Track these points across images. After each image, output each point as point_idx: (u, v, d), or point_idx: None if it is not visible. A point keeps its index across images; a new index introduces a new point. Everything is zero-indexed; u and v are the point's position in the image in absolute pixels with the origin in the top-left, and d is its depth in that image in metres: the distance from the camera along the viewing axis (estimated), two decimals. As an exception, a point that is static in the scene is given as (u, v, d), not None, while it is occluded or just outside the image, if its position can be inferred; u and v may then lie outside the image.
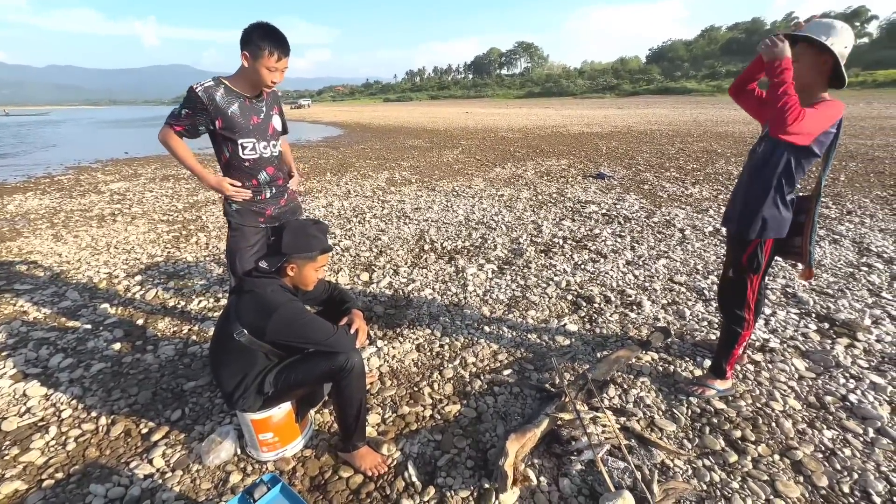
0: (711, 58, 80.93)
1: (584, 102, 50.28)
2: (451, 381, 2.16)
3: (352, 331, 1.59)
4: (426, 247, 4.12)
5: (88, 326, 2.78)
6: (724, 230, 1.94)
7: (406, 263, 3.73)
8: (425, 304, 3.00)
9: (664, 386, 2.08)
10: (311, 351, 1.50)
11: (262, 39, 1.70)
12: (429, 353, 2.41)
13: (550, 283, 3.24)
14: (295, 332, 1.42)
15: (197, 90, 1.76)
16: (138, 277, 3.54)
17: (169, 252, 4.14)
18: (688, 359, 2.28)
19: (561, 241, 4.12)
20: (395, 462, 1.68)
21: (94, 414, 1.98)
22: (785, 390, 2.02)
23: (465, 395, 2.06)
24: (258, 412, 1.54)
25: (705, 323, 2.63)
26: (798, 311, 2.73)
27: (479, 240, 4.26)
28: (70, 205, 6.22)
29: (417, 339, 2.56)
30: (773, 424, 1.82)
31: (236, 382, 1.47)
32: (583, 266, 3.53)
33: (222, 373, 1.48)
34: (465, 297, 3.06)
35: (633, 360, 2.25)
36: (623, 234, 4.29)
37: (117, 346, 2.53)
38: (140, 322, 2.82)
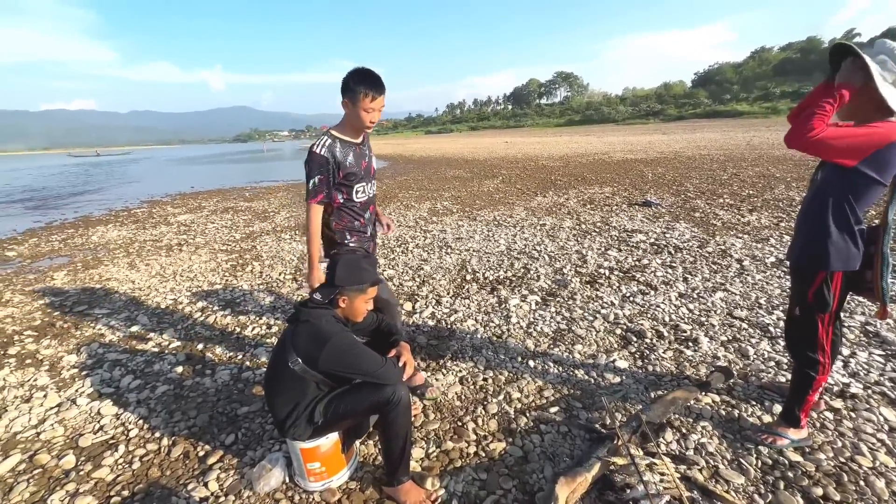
0: (763, 79, 77.58)
1: (627, 128, 49.52)
2: (496, 417, 2.11)
3: (399, 363, 1.62)
4: (468, 277, 4.14)
5: (155, 350, 3.00)
6: (788, 263, 1.82)
7: (448, 293, 3.75)
8: (468, 335, 2.98)
9: (728, 432, 1.92)
10: (359, 382, 1.53)
11: (358, 83, 1.81)
12: (472, 387, 2.38)
13: (597, 315, 3.13)
14: (346, 363, 1.46)
15: (321, 153, 1.87)
16: (200, 304, 3.79)
17: (227, 280, 4.42)
18: (754, 403, 2.09)
19: (607, 272, 3.99)
20: (439, 500, 1.64)
21: (157, 434, 2.11)
22: (873, 443, 1.80)
23: (511, 433, 2.00)
24: (307, 441, 1.57)
25: (772, 363, 2.42)
26: (883, 353, 2.45)
27: (522, 270, 4.22)
28: (143, 235, 6.85)
29: (461, 371, 2.54)
30: (862, 483, 1.62)
31: (289, 410, 1.53)
32: (631, 298, 3.39)
33: (276, 400, 1.55)
34: (508, 329, 3.02)
35: (692, 402, 2.10)
36: (674, 264, 4.10)
37: (179, 369, 2.70)
38: (200, 347, 3.00)
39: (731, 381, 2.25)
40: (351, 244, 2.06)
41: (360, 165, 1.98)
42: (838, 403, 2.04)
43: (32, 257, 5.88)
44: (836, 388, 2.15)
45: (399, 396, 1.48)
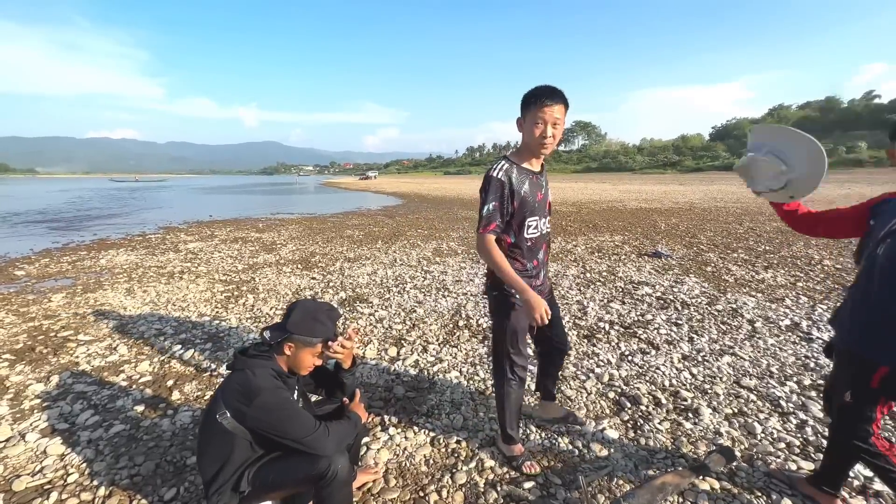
0: (782, 135, 77.60)
1: (644, 177, 49.75)
2: (463, 489, 1.89)
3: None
4: (461, 322, 3.96)
5: (124, 383, 2.88)
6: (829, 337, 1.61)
7: (437, 340, 3.58)
8: (449, 388, 2.78)
9: (727, 529, 1.65)
10: (293, 449, 1.37)
11: (530, 93, 1.63)
12: (443, 450, 2.16)
13: (590, 375, 2.90)
14: (272, 424, 1.32)
15: (498, 176, 1.70)
16: (183, 336, 3.70)
17: (217, 312, 4.35)
18: (759, 493, 1.83)
19: (607, 326, 3.77)
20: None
21: (95, 482, 1.95)
22: (902, 559, 1.52)
23: (477, 510, 1.77)
24: (234, 511, 1.40)
25: (783, 445, 2.14)
26: (912, 441, 2.15)
27: (518, 318, 4.02)
28: (150, 261, 6.93)
29: (433, 430, 2.33)
30: None
31: (215, 471, 1.37)
32: (630, 357, 3.16)
33: (203, 458, 1.40)
34: (493, 384, 2.80)
35: (686, 488, 1.84)
36: (680, 321, 3.86)
37: (140, 408, 2.56)
38: (170, 383, 2.87)
39: (734, 463, 1.99)
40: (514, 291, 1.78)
41: (535, 196, 1.77)
42: (858, 502, 1.76)
43: (39, 277, 5.97)
44: (856, 483, 1.87)
45: (335, 470, 1.31)
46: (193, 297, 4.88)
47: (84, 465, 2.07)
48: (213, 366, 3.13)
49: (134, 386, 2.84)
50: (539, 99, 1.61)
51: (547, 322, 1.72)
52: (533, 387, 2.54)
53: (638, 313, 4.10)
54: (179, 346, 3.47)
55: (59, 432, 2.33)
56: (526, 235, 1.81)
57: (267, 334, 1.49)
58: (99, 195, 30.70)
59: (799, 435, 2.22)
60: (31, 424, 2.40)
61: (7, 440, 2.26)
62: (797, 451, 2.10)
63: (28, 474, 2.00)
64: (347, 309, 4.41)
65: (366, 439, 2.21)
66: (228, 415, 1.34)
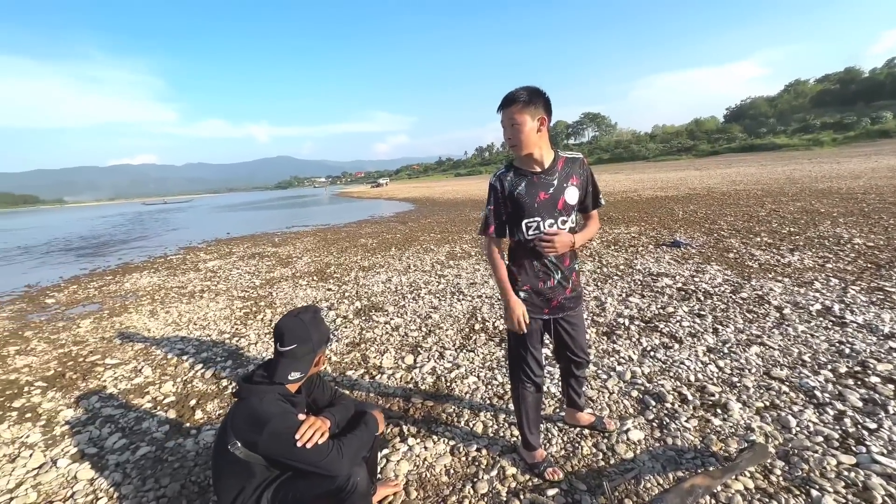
0: (801, 111, 75.17)
1: (658, 165, 48.69)
2: (485, 499, 1.85)
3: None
4: (477, 326, 3.92)
5: (149, 405, 2.94)
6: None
7: (454, 345, 3.54)
8: (468, 394, 2.75)
9: (765, 531, 1.57)
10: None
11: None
12: (464, 459, 2.13)
13: (612, 374, 2.83)
14: (285, 451, 1.31)
15: (492, 181, 1.79)
16: (204, 355, 3.77)
17: (236, 329, 4.42)
18: (798, 493, 1.73)
19: (626, 322, 3.67)
20: None
21: (123, 506, 1.99)
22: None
23: (500, 520, 1.73)
24: (255, 532, 1.40)
25: (820, 439, 2.04)
26: (963, 428, 2.01)
27: (534, 319, 3.96)
28: (172, 282, 7.11)
29: (453, 438, 2.30)
30: None
31: (233, 496, 1.37)
32: (652, 353, 3.06)
33: (220, 485, 1.40)
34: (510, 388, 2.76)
35: (718, 489, 1.76)
36: (703, 312, 3.73)
37: (165, 429, 2.61)
38: (192, 403, 2.93)
39: (769, 461, 1.90)
40: (521, 292, 1.82)
41: (533, 197, 1.73)
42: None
43: (68, 304, 6.19)
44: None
45: (354, 483, 1.29)
46: (213, 315, 4.98)
47: (112, 489, 2.11)
48: (234, 383, 3.17)
49: (158, 407, 2.90)
50: (498, 111, 1.72)
51: (524, 331, 1.78)
52: (556, 392, 2.48)
53: (658, 306, 3.99)
54: (201, 365, 3.54)
55: (89, 457, 2.39)
56: (527, 237, 1.79)
57: (296, 375, 1.45)
58: (139, 218, 32.68)
59: (837, 427, 2.10)
60: (62, 450, 2.47)
61: (40, 467, 2.33)
62: (836, 444, 1.99)
63: (60, 500, 2.06)
64: (363, 318, 4.43)
65: (385, 451, 2.20)
66: (240, 445, 1.34)
